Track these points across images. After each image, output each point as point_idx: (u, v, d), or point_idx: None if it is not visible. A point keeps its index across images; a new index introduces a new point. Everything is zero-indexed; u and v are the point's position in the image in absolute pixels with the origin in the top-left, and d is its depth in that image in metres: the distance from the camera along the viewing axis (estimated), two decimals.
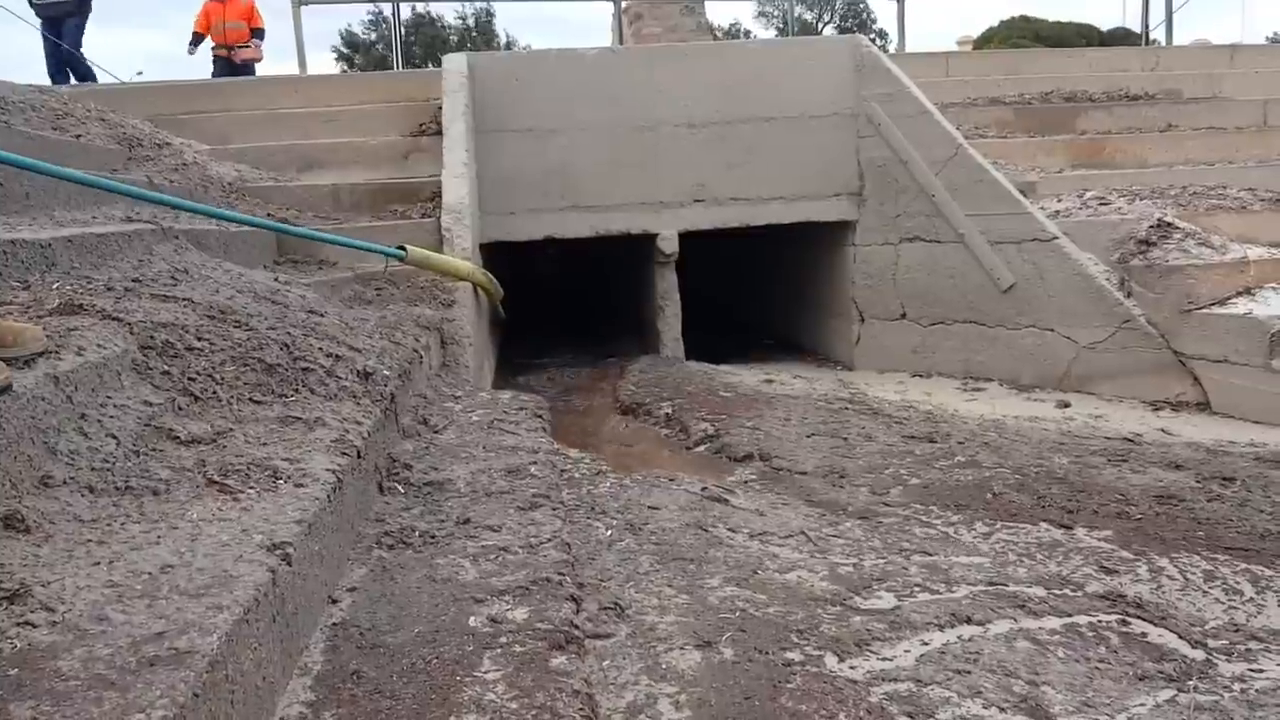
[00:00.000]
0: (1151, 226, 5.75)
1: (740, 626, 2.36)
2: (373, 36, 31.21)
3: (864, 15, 36.06)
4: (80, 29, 9.69)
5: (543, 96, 6.59)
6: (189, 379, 2.30)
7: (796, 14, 32.44)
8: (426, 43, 31.35)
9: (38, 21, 9.54)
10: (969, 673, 2.18)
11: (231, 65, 10.00)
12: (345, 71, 27.39)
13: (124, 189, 3.43)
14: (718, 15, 43.36)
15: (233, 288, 3.20)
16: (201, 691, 1.20)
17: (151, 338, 2.33)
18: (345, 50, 31.56)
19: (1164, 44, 12.27)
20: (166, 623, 1.34)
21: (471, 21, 33.33)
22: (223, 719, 1.28)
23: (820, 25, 35.95)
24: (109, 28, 56.54)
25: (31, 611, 1.34)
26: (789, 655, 2.23)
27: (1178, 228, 5.72)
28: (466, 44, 31.04)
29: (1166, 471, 3.97)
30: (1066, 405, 5.45)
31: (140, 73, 28.00)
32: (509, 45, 32.45)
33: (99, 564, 1.51)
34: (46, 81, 8.90)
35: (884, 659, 2.24)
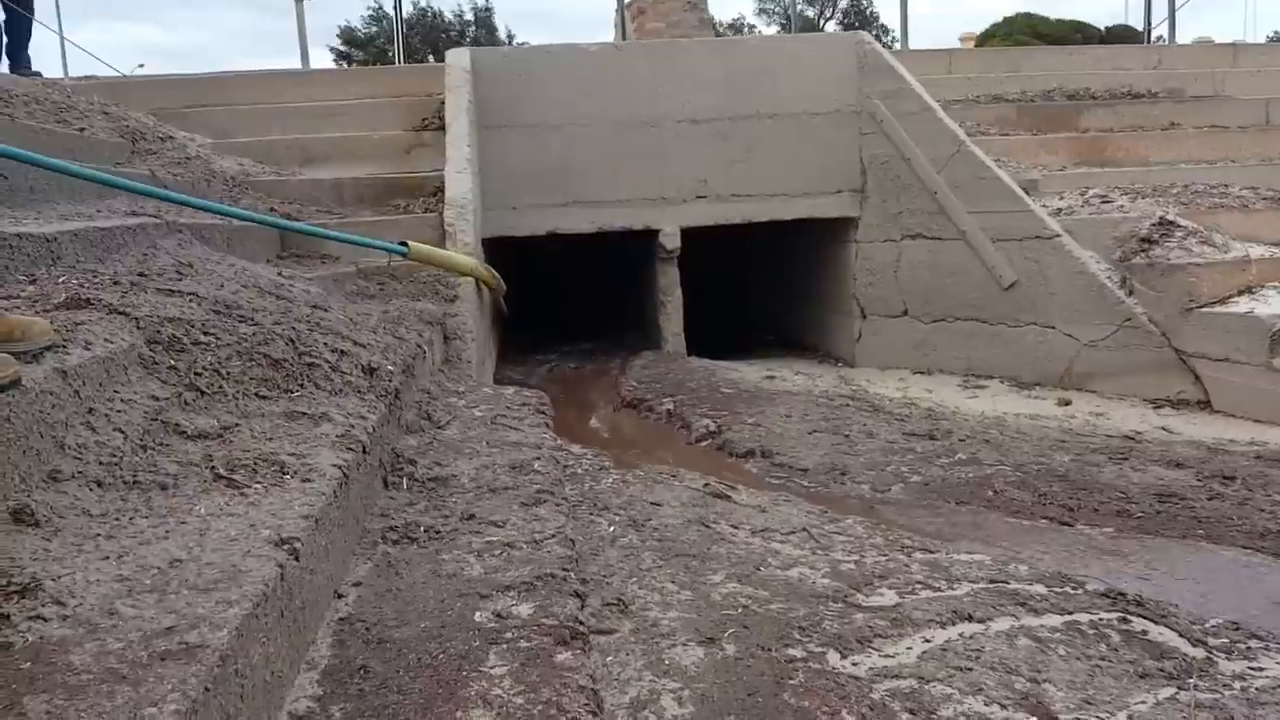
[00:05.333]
0: (1153, 225, 5.76)
1: (743, 623, 2.37)
2: (373, 31, 31.17)
3: (866, 12, 35.98)
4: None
5: (546, 92, 6.60)
6: (195, 374, 2.30)
7: (798, 10, 32.41)
8: (425, 34, 31.31)
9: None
10: (971, 670, 2.19)
11: None
12: (347, 67, 27.33)
13: (142, 189, 3.43)
14: (720, 11, 43.31)
15: (237, 282, 3.20)
16: (212, 686, 1.21)
17: (158, 332, 2.34)
18: (343, 48, 31.47)
19: (1166, 42, 12.26)
20: (177, 617, 1.34)
21: (471, 16, 33.31)
22: (233, 713, 1.28)
23: (822, 22, 35.87)
24: (108, 22, 56.50)
25: (43, 605, 1.34)
26: (791, 652, 2.24)
27: (1180, 226, 5.72)
28: (466, 38, 31.00)
29: (1167, 470, 3.99)
30: (1067, 403, 5.47)
31: (141, 65, 27.94)
32: (510, 39, 32.43)
33: (108, 558, 1.52)
34: (51, 74, 8.76)
35: (886, 656, 2.26)
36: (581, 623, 1.92)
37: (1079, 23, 24.66)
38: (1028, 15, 26.03)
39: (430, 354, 3.93)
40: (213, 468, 1.92)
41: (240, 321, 2.69)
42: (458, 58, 6.68)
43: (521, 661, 1.69)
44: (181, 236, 3.52)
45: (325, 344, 2.84)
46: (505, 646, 1.74)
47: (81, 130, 4.68)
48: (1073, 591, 2.66)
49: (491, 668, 1.67)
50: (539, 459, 2.92)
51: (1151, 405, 5.38)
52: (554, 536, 2.29)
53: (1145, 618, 2.51)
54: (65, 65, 11.93)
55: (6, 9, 7.87)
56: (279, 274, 3.92)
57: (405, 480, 2.63)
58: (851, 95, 6.77)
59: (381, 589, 1.98)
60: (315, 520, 1.77)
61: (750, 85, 6.77)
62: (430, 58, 25.49)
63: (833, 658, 2.23)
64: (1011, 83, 8.38)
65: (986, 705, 2.04)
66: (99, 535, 1.59)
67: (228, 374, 2.39)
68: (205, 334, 2.48)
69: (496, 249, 6.43)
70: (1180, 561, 3.06)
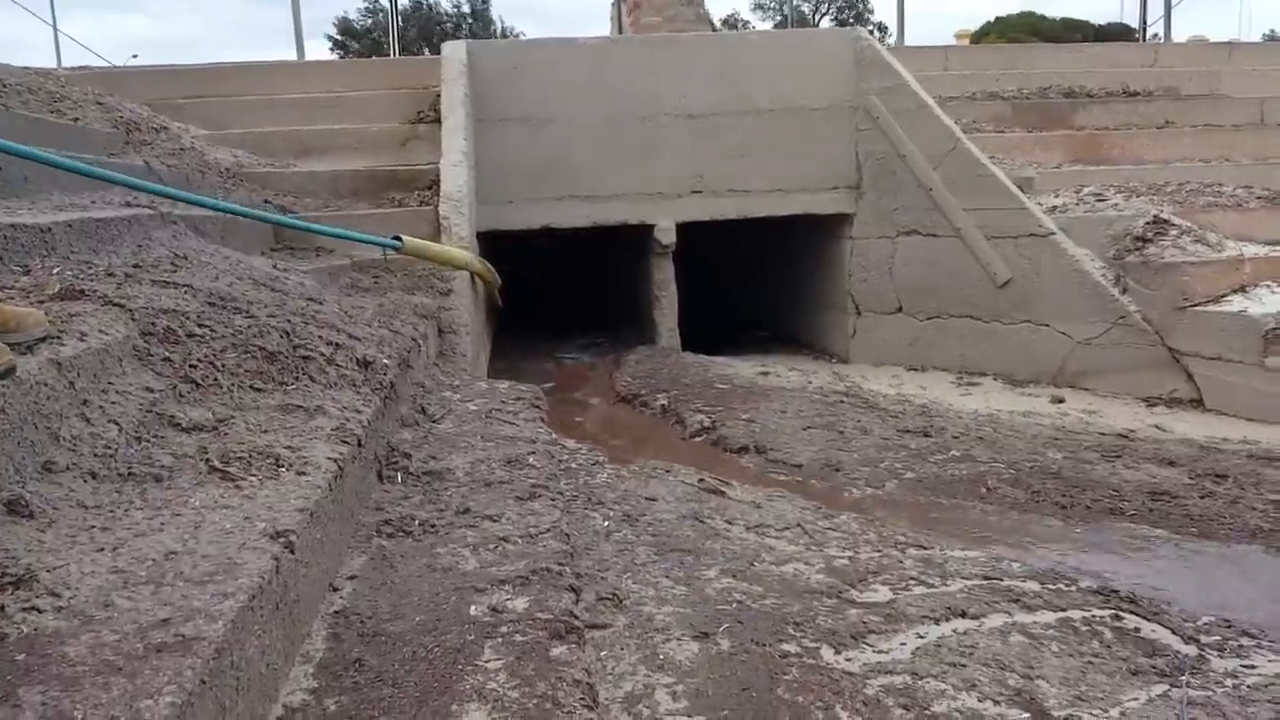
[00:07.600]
0: (1148, 223, 5.77)
1: (737, 618, 2.38)
2: (368, 24, 31.17)
3: (860, 8, 35.97)
4: None
5: (541, 86, 6.58)
6: (190, 366, 2.29)
7: (794, 5, 32.36)
8: (421, 26, 31.27)
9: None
10: (964, 666, 2.19)
11: None
12: (343, 58, 27.32)
13: (138, 184, 3.41)
14: (715, 7, 43.27)
15: (232, 274, 3.20)
16: (208, 678, 1.21)
17: (153, 324, 2.33)
18: (340, 38, 31.50)
19: (1162, 40, 12.28)
20: (172, 609, 1.34)
21: (467, 8, 33.30)
22: (228, 705, 1.28)
23: (817, 17, 35.86)
24: (99, 13, 56.24)
25: (38, 597, 1.34)
26: (785, 647, 2.24)
27: (1174, 225, 5.74)
28: (462, 31, 30.97)
29: (1160, 468, 4.00)
30: (1061, 401, 5.48)
31: (135, 56, 27.88)
32: (505, 33, 32.41)
33: (103, 550, 1.51)
34: (44, 64, 8.73)
35: (880, 651, 2.26)
36: (576, 617, 1.92)
37: (1076, 20, 24.71)
38: (1024, 13, 26.07)
39: (425, 347, 3.92)
40: (207, 460, 1.91)
41: (235, 314, 2.68)
42: (454, 50, 6.66)
43: (517, 655, 1.69)
44: (176, 228, 3.50)
45: (320, 337, 2.83)
46: (500, 640, 1.74)
47: (76, 121, 4.66)
48: (1066, 588, 2.67)
49: (487, 661, 1.67)
50: (534, 453, 2.92)
51: (1145, 403, 5.39)
52: (549, 531, 2.29)
53: (1138, 615, 2.52)
54: (58, 56, 11.90)
55: None
56: (273, 266, 3.92)
57: (400, 474, 2.63)
58: (848, 91, 6.76)
59: (376, 582, 1.97)
60: (310, 513, 1.77)
61: (746, 80, 6.76)
62: (425, 50, 25.45)
63: (827, 653, 2.23)
64: (1008, 80, 8.39)
65: (980, 701, 2.05)
66: (94, 527, 1.59)
67: (222, 366, 2.38)
68: (200, 326, 2.48)
69: (491, 243, 6.42)
70: (1173, 559, 3.07)
